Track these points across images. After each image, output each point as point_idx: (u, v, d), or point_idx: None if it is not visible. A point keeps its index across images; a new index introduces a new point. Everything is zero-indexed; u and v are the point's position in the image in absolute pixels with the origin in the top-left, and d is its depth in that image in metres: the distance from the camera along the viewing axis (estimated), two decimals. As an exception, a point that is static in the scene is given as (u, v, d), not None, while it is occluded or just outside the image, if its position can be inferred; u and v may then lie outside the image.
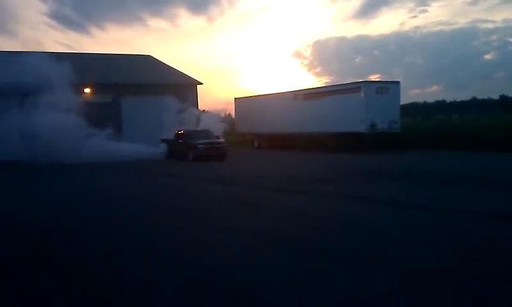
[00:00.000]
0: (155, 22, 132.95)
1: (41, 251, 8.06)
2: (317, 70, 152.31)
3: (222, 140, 27.57)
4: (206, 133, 27.64)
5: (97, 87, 32.86)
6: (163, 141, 28.56)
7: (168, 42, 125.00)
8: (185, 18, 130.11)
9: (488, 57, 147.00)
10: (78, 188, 16.96)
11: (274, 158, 27.09)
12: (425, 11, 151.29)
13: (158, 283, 6.15)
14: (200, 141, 25.78)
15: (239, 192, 14.43)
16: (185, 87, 34.00)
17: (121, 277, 6.51)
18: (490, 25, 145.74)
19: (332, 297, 5.56)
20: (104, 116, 28.07)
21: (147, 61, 39.54)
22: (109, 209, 12.17)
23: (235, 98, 37.30)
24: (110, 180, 19.21)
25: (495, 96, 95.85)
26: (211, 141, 26.53)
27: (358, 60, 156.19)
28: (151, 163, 25.14)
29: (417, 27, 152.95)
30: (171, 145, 27.97)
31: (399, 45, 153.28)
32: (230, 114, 38.99)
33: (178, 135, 27.70)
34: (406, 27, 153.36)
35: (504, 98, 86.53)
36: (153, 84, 30.61)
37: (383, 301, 5.37)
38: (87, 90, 33.04)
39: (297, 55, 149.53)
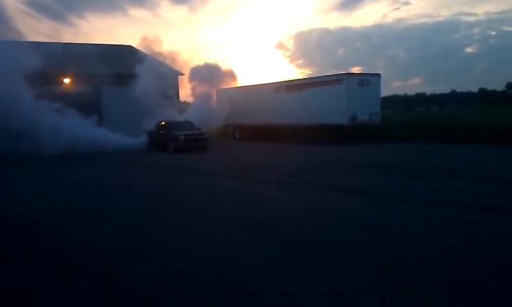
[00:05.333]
0: (136, 12, 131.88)
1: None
2: (299, 62, 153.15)
3: (204, 131, 27.46)
4: (187, 124, 27.59)
5: (77, 78, 32.48)
6: (145, 131, 28.52)
7: (149, 32, 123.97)
8: (166, 8, 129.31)
9: (469, 50, 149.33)
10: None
11: (256, 149, 27.02)
12: (407, 3, 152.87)
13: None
14: (181, 132, 25.79)
15: (221, 183, 14.45)
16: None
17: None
18: (472, 18, 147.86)
19: (317, 286, 5.62)
20: (83, 106, 27.72)
21: (128, 52, 39.12)
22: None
23: (216, 89, 37.10)
24: (95, 172, 19.00)
25: (475, 89, 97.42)
26: (192, 132, 26.50)
27: (340, 52, 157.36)
28: (132, 154, 25.06)
29: (400, 20, 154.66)
30: (152, 136, 27.98)
31: (381, 37, 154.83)
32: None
33: (159, 126, 27.64)
34: (389, 19, 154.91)
35: (483, 91, 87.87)
36: (134, 75, 30.31)
37: (364, 291, 5.45)
38: (66, 80, 32.66)
39: (280, 46, 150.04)
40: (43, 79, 27.05)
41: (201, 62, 36.67)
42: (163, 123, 27.66)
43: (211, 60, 37.56)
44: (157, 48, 34.51)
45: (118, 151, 25.55)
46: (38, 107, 24.82)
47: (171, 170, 18.63)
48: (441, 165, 17.15)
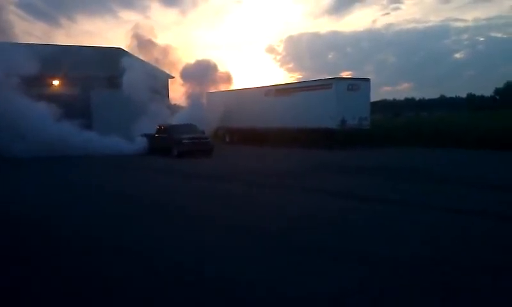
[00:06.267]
0: (126, 14, 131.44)
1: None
2: (290, 66, 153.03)
3: (207, 135, 26.33)
4: (191, 127, 26.37)
5: (66, 80, 32.34)
6: (144, 135, 27.31)
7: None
8: (157, 11, 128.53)
9: (458, 55, 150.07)
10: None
11: (253, 153, 26.77)
12: (397, 8, 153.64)
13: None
14: (184, 136, 24.60)
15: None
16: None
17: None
18: (461, 24, 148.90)
19: (303, 289, 5.67)
20: (72, 108, 27.58)
21: (118, 54, 39.03)
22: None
23: (207, 92, 37.09)
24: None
25: (463, 95, 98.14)
26: (196, 136, 25.47)
27: (330, 56, 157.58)
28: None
29: (390, 25, 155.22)
30: (152, 140, 26.79)
31: (371, 42, 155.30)
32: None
33: (160, 130, 26.60)
34: (379, 25, 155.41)
35: (471, 97, 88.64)
36: (124, 74, 30.22)
37: (355, 294, 5.50)
38: (55, 82, 32.52)
39: (270, 50, 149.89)
40: (31, 81, 26.89)
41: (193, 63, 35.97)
42: (165, 125, 26.76)
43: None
44: (149, 36, 33.76)
45: (115, 155, 24.77)
46: (22, 107, 24.54)
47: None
48: (431, 169, 17.28)
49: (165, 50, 34.23)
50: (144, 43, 33.10)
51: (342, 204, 10.91)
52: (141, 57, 33.51)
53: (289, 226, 8.82)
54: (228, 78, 36.63)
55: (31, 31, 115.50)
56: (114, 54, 38.80)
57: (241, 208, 10.78)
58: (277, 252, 7.15)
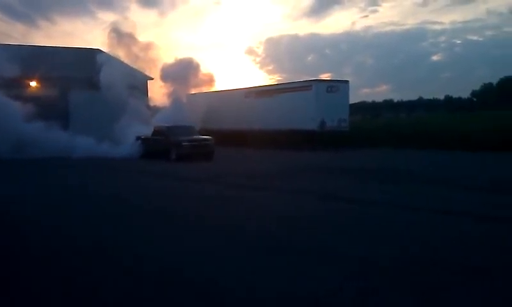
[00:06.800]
0: (105, 16, 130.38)
1: None
2: (270, 68, 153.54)
3: (208, 137, 24.75)
4: (189, 129, 25.14)
5: (44, 81, 31.87)
6: (137, 138, 25.92)
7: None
8: (136, 12, 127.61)
9: (435, 58, 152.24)
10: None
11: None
12: (376, 11, 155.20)
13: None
14: (184, 138, 23.14)
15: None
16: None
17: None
18: (438, 27, 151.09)
19: (284, 290, 5.66)
20: (51, 110, 27.19)
21: (97, 55, 38.62)
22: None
23: (188, 94, 36.93)
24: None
25: (441, 97, 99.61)
26: (196, 137, 24.06)
27: (309, 58, 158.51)
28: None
29: (368, 27, 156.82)
30: (147, 143, 25.26)
31: (349, 45, 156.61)
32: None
33: (156, 132, 25.22)
34: (357, 27, 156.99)
35: (448, 99, 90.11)
36: (102, 74, 29.90)
37: (335, 295, 5.48)
38: (33, 83, 32.06)
39: (250, 52, 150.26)
40: (9, 82, 26.48)
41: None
42: (161, 127, 25.46)
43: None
44: (128, 31, 33.01)
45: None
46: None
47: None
48: (413, 171, 17.53)
49: (145, 47, 33.41)
50: (123, 37, 32.27)
51: (332, 206, 10.95)
52: (120, 55, 33.09)
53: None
54: (210, 80, 36.28)
55: (9, 32, 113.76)
56: (93, 55, 38.41)
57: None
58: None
